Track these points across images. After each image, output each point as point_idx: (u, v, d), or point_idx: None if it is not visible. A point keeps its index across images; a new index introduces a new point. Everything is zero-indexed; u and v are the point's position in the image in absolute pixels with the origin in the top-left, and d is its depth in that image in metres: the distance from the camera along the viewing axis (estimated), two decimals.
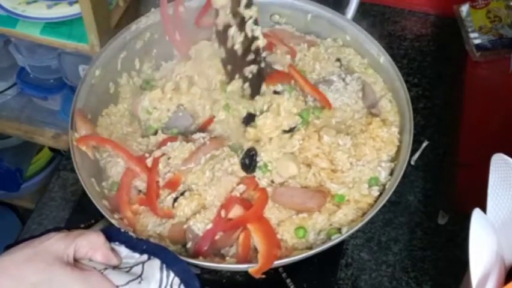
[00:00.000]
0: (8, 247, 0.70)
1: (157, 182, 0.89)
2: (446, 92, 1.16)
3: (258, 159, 0.89)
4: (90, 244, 0.68)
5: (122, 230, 0.75)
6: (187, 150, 0.90)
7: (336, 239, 0.80)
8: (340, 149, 0.89)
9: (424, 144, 1.08)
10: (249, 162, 0.89)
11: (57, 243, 0.66)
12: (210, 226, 0.83)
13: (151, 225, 0.86)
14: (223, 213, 0.84)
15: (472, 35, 1.19)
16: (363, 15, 1.28)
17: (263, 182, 0.88)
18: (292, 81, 0.97)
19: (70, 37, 1.19)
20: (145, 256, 0.72)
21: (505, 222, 0.75)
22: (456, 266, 0.92)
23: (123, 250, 0.73)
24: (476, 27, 1.20)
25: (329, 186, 0.88)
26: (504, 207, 0.74)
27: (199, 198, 0.86)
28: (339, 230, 0.84)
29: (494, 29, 1.19)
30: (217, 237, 0.83)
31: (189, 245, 0.83)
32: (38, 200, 1.05)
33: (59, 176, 1.07)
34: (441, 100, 1.15)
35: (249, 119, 0.93)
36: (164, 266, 0.72)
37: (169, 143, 0.91)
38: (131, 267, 0.71)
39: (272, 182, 0.89)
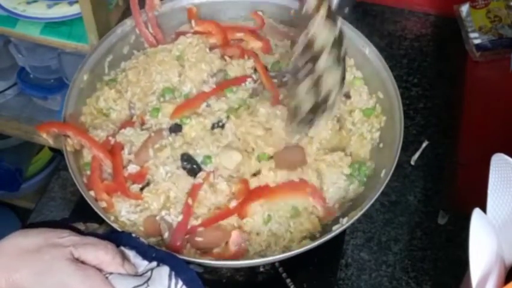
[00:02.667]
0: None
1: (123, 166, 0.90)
2: (446, 92, 1.16)
3: (196, 158, 0.89)
4: (97, 260, 0.68)
5: (133, 235, 0.75)
6: (141, 138, 0.91)
7: (337, 230, 0.80)
8: (279, 116, 0.91)
9: (424, 144, 1.08)
10: (191, 165, 0.88)
11: (67, 243, 0.67)
12: (179, 218, 0.84)
13: (124, 211, 0.86)
14: (190, 201, 0.84)
15: (472, 35, 1.19)
16: (363, 15, 1.29)
17: (223, 186, 0.88)
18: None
19: (70, 37, 1.19)
20: (154, 263, 0.72)
21: (505, 222, 0.75)
22: (456, 266, 0.92)
23: (133, 255, 0.73)
24: (476, 27, 1.20)
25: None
26: (504, 207, 0.74)
27: (165, 192, 0.87)
28: None
29: (494, 29, 1.19)
30: (199, 239, 0.83)
31: (166, 235, 0.83)
32: (38, 200, 1.05)
33: (59, 176, 1.07)
34: (441, 100, 1.15)
35: (176, 129, 0.93)
36: (173, 273, 0.71)
37: (127, 128, 0.92)
38: (140, 275, 0.71)
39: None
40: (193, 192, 0.86)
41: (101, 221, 0.81)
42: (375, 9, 1.31)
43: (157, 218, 0.85)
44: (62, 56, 1.32)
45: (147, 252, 0.73)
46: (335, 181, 0.90)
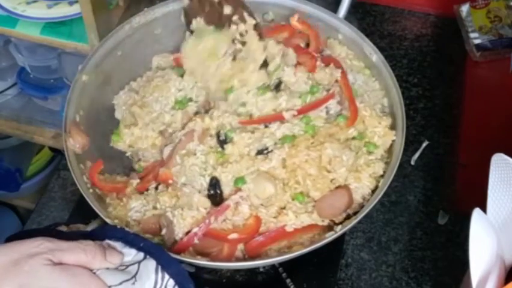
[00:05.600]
0: (9, 238, 0.71)
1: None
2: (446, 92, 1.16)
3: (228, 176, 0.86)
4: (77, 262, 0.67)
5: (119, 227, 0.75)
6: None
7: (330, 237, 0.80)
8: (344, 164, 0.86)
9: (424, 144, 1.08)
10: (215, 192, 0.86)
11: (43, 251, 0.66)
12: (194, 226, 0.82)
13: (133, 210, 0.86)
14: (212, 219, 0.83)
15: (472, 35, 1.20)
16: (363, 15, 1.29)
17: (245, 209, 0.85)
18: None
19: (69, 37, 1.19)
20: (141, 255, 0.72)
21: (505, 222, 0.75)
22: (456, 266, 0.92)
23: (119, 246, 0.73)
24: (476, 27, 1.20)
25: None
26: (504, 207, 0.75)
27: (181, 195, 0.86)
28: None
29: (494, 29, 1.19)
30: (196, 242, 0.83)
31: (164, 231, 0.82)
32: (38, 200, 1.05)
33: (59, 176, 1.07)
34: (441, 100, 1.15)
35: (222, 142, 0.90)
36: (159, 267, 0.71)
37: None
38: (127, 266, 0.71)
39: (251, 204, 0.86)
40: (219, 211, 0.84)
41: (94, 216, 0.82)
42: (375, 9, 1.31)
43: (157, 213, 0.84)
44: (62, 56, 1.32)
45: (134, 240, 0.73)
46: (363, 189, 0.87)
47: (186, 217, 0.83)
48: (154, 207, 0.86)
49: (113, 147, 0.96)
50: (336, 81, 0.95)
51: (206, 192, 0.87)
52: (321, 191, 0.85)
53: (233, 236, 0.83)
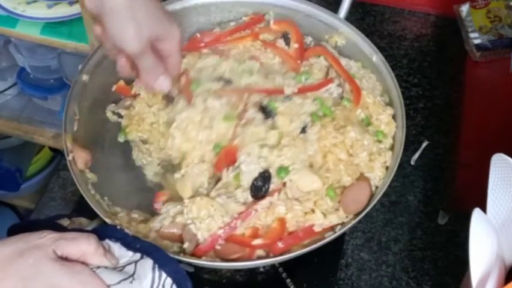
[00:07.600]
0: (13, 228, 0.74)
1: None
2: (446, 92, 1.16)
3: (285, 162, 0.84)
4: (80, 252, 0.68)
5: (118, 227, 0.75)
6: None
7: (330, 237, 0.80)
8: (365, 149, 0.86)
9: (424, 144, 1.08)
10: (262, 184, 0.83)
11: (48, 242, 0.67)
12: (220, 231, 0.81)
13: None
14: (239, 223, 0.82)
15: (472, 35, 1.20)
16: (363, 15, 1.29)
17: (281, 210, 0.82)
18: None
19: (69, 37, 1.20)
20: (138, 255, 0.73)
21: (505, 222, 0.75)
22: (456, 266, 0.92)
23: (117, 247, 0.73)
24: (476, 27, 1.20)
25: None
26: (504, 207, 0.75)
27: (208, 205, 0.84)
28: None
29: (494, 29, 1.19)
30: (219, 247, 0.82)
31: (186, 245, 0.81)
32: (38, 200, 1.05)
33: (59, 176, 1.07)
34: (441, 100, 1.15)
35: (267, 112, 0.88)
36: (156, 266, 0.72)
37: None
38: (123, 267, 0.71)
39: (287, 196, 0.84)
40: (244, 216, 0.82)
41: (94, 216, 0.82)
42: (375, 9, 1.31)
43: (179, 221, 0.83)
44: (62, 56, 1.32)
45: (132, 243, 0.73)
46: (375, 180, 0.86)
47: (212, 228, 0.81)
48: (180, 213, 0.84)
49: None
50: (331, 66, 0.96)
51: (252, 181, 0.83)
52: (352, 177, 0.85)
53: (257, 241, 0.81)
